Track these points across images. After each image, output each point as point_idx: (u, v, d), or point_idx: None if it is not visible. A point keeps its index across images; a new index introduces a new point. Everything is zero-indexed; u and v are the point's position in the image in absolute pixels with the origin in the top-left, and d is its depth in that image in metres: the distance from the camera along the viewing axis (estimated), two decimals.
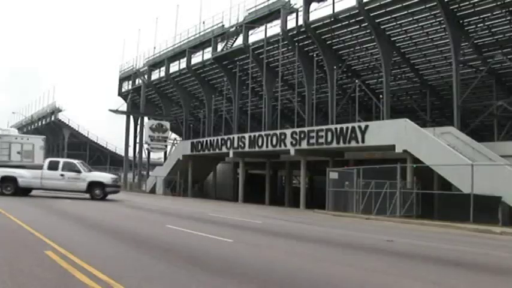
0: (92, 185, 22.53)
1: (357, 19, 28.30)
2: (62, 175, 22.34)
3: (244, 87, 39.48)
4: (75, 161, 23.79)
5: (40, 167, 22.58)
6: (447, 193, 20.86)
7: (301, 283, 5.75)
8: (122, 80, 56.47)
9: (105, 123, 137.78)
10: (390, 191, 20.88)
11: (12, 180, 22.06)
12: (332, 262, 7.72)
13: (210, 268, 6.35)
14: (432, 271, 7.19)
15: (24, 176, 22.16)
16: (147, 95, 50.57)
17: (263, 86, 37.17)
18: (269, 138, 31.14)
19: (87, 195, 22.85)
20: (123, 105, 54.84)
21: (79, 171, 22.71)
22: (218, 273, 6.05)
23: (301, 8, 31.11)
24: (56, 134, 72.90)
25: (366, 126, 25.21)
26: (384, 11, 26.97)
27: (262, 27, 34.69)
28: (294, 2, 32.50)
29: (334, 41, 31.53)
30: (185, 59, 43.28)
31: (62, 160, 24.15)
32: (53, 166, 22.64)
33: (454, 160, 20.28)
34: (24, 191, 22.77)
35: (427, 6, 25.48)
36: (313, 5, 30.70)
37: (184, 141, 44.37)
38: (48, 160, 23.34)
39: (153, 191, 42.59)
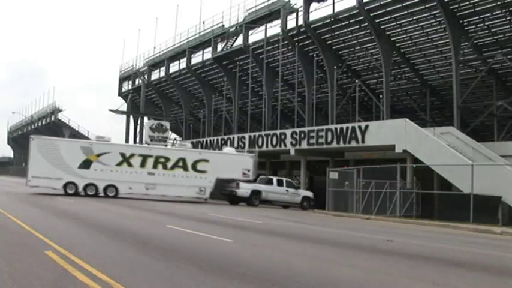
0: (303, 199, 27.01)
1: (357, 19, 28.32)
2: (286, 191, 26.68)
3: (244, 87, 39.49)
4: (290, 180, 28.41)
5: (253, 181, 26.46)
6: (447, 193, 20.89)
7: (301, 283, 5.75)
8: (122, 80, 56.48)
9: (105, 123, 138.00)
10: (390, 191, 20.89)
11: (258, 193, 26.05)
12: (332, 262, 7.72)
13: (210, 268, 6.35)
14: (432, 271, 7.19)
15: (265, 190, 26.26)
16: (147, 95, 50.57)
17: (263, 86, 37.18)
18: (269, 138, 31.14)
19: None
20: (123, 105, 54.89)
21: (296, 188, 27.38)
22: (218, 273, 6.05)
23: (301, 8, 31.14)
24: (56, 134, 72.75)
25: (366, 126, 25.22)
26: (384, 11, 26.98)
27: (262, 27, 34.72)
28: (294, 2, 32.60)
29: (334, 41, 31.54)
30: (185, 59, 43.30)
31: (284, 179, 28.02)
32: (279, 183, 26.84)
33: (454, 160, 20.29)
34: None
35: (427, 6, 25.49)
36: (313, 5, 30.75)
37: (185, 141, 44.33)
38: (276, 178, 27.62)
39: None
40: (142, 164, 24.97)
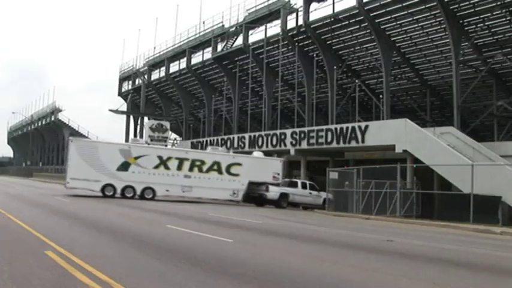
0: (325, 201, 26.74)
1: (357, 19, 28.33)
2: (310, 193, 27.44)
3: (244, 87, 39.48)
4: (312, 182, 28.77)
5: (279, 185, 26.91)
6: (447, 193, 20.88)
7: (301, 283, 5.75)
8: (122, 80, 56.48)
9: (105, 123, 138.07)
10: (390, 191, 20.87)
11: (286, 195, 26.86)
12: (332, 262, 7.72)
13: (210, 268, 6.35)
14: (432, 271, 7.19)
15: (292, 193, 27.10)
16: (147, 95, 50.56)
17: (263, 86, 37.17)
18: (269, 138, 31.14)
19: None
20: (123, 105, 54.88)
21: (319, 190, 27.50)
22: (218, 274, 6.05)
23: (301, 8, 31.15)
24: (55, 134, 73.02)
25: (366, 126, 25.22)
26: (384, 11, 26.99)
27: (262, 27, 34.72)
28: (294, 2, 32.61)
29: (334, 41, 31.54)
30: (185, 59, 43.30)
31: (307, 182, 28.54)
32: (303, 186, 27.58)
33: (454, 160, 20.28)
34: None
35: (427, 6, 25.50)
36: (313, 5, 30.75)
37: (184, 141, 44.35)
38: (300, 181, 28.19)
39: None
40: (179, 167, 25.15)
